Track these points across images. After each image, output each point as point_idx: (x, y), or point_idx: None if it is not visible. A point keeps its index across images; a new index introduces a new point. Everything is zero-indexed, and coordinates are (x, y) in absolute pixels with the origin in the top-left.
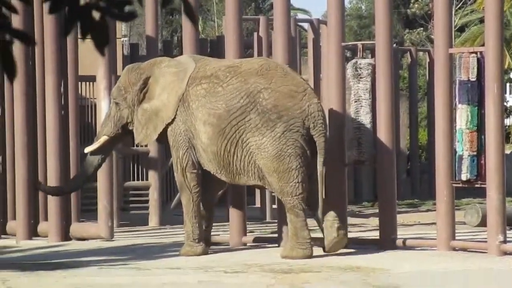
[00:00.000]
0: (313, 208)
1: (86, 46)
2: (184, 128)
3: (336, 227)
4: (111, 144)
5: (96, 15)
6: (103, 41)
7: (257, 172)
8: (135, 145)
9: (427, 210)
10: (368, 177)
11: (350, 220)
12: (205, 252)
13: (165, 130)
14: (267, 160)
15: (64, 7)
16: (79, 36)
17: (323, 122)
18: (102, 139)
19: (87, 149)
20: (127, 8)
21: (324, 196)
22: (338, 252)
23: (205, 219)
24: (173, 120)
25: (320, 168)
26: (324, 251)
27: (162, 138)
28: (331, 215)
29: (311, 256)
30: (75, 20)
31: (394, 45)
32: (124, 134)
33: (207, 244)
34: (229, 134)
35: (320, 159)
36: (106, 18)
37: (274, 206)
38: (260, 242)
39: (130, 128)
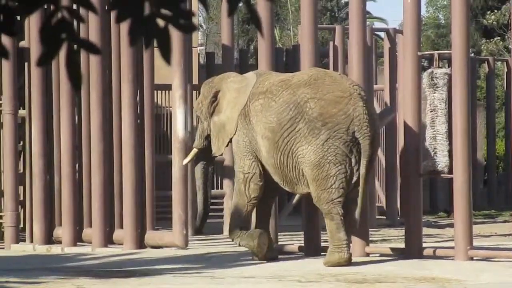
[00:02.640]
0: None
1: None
2: (248, 140)
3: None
4: (204, 154)
5: (160, 23)
6: (168, 49)
7: (306, 181)
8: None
9: (504, 221)
10: (444, 187)
11: (426, 230)
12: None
13: (230, 142)
14: (309, 168)
15: (130, 16)
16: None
17: (368, 124)
18: (192, 152)
19: (184, 162)
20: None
21: (362, 200)
22: (414, 262)
23: (263, 228)
24: (235, 132)
25: (363, 170)
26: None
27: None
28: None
29: (348, 260)
30: (141, 29)
31: (471, 54)
32: (210, 146)
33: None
34: (281, 146)
35: (363, 161)
36: (169, 27)
37: None
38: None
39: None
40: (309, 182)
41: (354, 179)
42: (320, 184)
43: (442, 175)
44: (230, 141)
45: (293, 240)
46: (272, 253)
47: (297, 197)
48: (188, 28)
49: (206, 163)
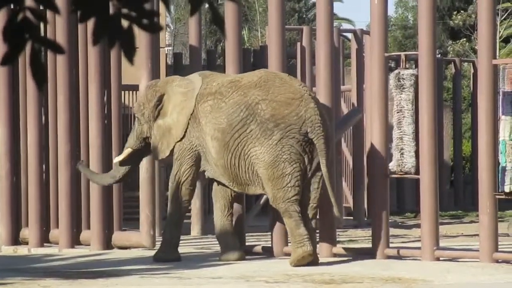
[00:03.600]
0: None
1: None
2: (197, 143)
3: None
4: (137, 156)
5: (124, 24)
6: (131, 49)
7: (260, 181)
8: None
9: (471, 222)
10: (411, 188)
11: (393, 231)
12: (178, 259)
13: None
14: (264, 168)
15: (93, 16)
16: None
17: (320, 125)
18: (126, 151)
19: (116, 159)
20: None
21: (335, 197)
22: (381, 263)
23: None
24: (182, 138)
25: (324, 169)
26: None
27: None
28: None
29: (311, 253)
30: (105, 28)
31: (438, 55)
32: (146, 147)
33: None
34: (232, 147)
35: (322, 161)
36: (133, 27)
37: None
38: None
39: (150, 142)
40: (264, 183)
41: (308, 177)
42: (275, 184)
43: (409, 175)
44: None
45: (261, 241)
46: (239, 254)
47: (264, 197)
48: (153, 28)
49: (129, 168)
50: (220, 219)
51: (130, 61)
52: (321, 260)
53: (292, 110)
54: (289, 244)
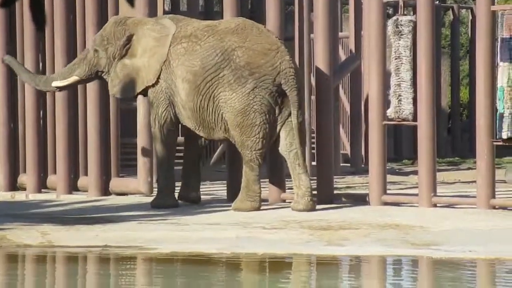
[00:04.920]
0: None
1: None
2: (166, 85)
3: (307, 199)
4: (76, 84)
5: None
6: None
7: (223, 126)
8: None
9: (468, 168)
10: (408, 135)
11: (390, 178)
12: (175, 204)
13: (144, 90)
14: (232, 114)
15: None
16: None
17: (294, 77)
18: (72, 79)
19: (56, 83)
20: None
21: (301, 149)
22: (378, 209)
23: (191, 175)
24: (155, 83)
25: (295, 120)
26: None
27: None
28: (305, 185)
29: (259, 209)
30: None
31: (436, 2)
32: (93, 79)
33: (194, 198)
34: (203, 90)
35: (294, 112)
36: None
37: (314, 163)
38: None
39: (104, 77)
40: (231, 128)
41: (277, 130)
42: (244, 131)
43: (407, 122)
44: (143, 90)
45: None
46: (196, 198)
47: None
48: None
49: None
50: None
51: (131, 3)
52: (318, 206)
53: (267, 61)
54: (287, 191)
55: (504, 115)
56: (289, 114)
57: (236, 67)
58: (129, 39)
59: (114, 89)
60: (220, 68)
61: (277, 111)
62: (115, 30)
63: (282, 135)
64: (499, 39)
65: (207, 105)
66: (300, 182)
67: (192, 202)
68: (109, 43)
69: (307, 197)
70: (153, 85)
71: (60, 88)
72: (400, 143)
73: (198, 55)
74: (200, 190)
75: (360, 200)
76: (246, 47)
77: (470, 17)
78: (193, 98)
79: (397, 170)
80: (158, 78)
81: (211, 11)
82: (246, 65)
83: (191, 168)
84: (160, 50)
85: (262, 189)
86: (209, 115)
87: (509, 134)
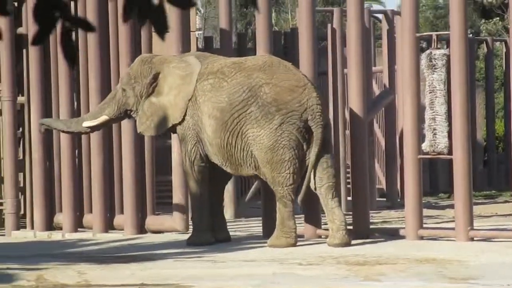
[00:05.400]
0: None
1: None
2: (192, 122)
3: (342, 233)
4: (107, 124)
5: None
6: (163, 26)
7: (253, 162)
8: None
9: (505, 202)
10: (444, 168)
11: (427, 212)
12: (210, 241)
13: (172, 128)
14: (262, 151)
15: None
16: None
17: (321, 114)
18: (102, 118)
19: (86, 124)
20: None
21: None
22: (414, 244)
23: (216, 210)
24: (182, 120)
25: (313, 158)
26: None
27: (166, 134)
28: (339, 219)
29: (295, 245)
30: (135, 5)
31: (470, 35)
32: (122, 118)
33: (223, 234)
34: (231, 127)
35: (314, 149)
36: (164, 3)
37: (349, 198)
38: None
39: (133, 116)
40: (261, 165)
41: (305, 166)
42: (274, 168)
43: (442, 156)
44: (172, 127)
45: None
46: (225, 235)
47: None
48: (184, 3)
49: (90, 131)
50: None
51: (162, 37)
52: (354, 241)
53: (294, 97)
54: (323, 226)
55: None
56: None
57: (263, 104)
58: (156, 78)
59: (142, 127)
60: (247, 105)
61: (305, 147)
62: (141, 69)
63: (319, 168)
64: None
65: (235, 142)
66: (334, 217)
67: (223, 241)
68: (136, 82)
69: (341, 231)
70: (180, 122)
71: (91, 129)
72: (436, 177)
73: (225, 91)
74: (233, 227)
75: (395, 234)
76: (273, 83)
77: (504, 50)
78: (220, 134)
79: (433, 204)
80: (185, 115)
81: (244, 48)
82: (273, 101)
83: (217, 209)
84: (186, 88)
85: (298, 225)
86: (237, 151)
87: None
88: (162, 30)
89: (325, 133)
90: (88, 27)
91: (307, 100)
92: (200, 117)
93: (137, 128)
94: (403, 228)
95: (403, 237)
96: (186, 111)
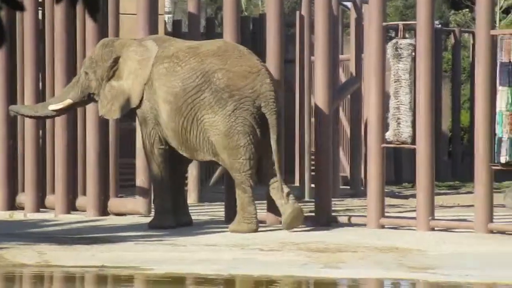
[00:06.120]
0: (264, 184)
1: (128, 21)
2: (150, 105)
3: (291, 203)
4: (72, 108)
5: None
6: (95, 7)
7: (211, 148)
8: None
9: (468, 192)
10: (408, 158)
11: (390, 200)
12: (173, 226)
13: (132, 111)
14: (218, 137)
15: None
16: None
17: (274, 100)
18: (67, 102)
19: (52, 107)
20: None
21: (280, 173)
22: (375, 231)
23: (177, 193)
24: (139, 104)
25: (274, 145)
26: (283, 227)
27: (129, 117)
28: (285, 192)
29: (256, 230)
30: None
31: (439, 26)
32: (87, 102)
33: (185, 218)
34: (185, 112)
35: (273, 136)
36: None
37: (313, 185)
38: None
39: (96, 99)
40: (219, 151)
41: (260, 151)
42: (231, 154)
43: (405, 145)
44: (131, 110)
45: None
46: (187, 218)
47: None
48: None
49: (56, 115)
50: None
51: (93, 19)
52: (316, 228)
53: (247, 83)
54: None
55: (503, 139)
56: (269, 138)
57: (216, 89)
58: (116, 61)
59: (103, 110)
60: (201, 90)
61: (259, 133)
62: (102, 52)
63: (263, 162)
64: (498, 64)
65: (191, 127)
66: (287, 201)
67: (184, 225)
68: (98, 65)
69: (295, 204)
70: (139, 106)
71: (57, 112)
72: (400, 166)
73: (179, 76)
74: (196, 211)
75: (356, 222)
76: (226, 69)
77: (472, 41)
78: (174, 119)
79: (396, 193)
80: (142, 99)
81: (212, 33)
82: (226, 88)
83: (178, 192)
84: (142, 72)
85: (260, 211)
86: (193, 136)
87: (507, 159)
88: (93, 11)
89: (279, 120)
90: (17, 7)
91: (260, 87)
92: (156, 101)
93: (99, 111)
94: (365, 216)
95: (364, 225)
96: (143, 95)
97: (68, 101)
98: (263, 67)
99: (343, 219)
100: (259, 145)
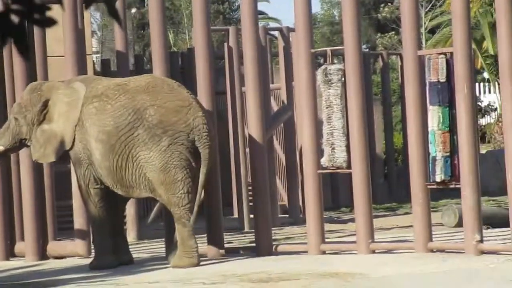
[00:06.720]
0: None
1: (56, 63)
2: (82, 146)
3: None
4: (4, 154)
5: (15, 19)
6: (24, 46)
7: (148, 185)
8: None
9: (405, 213)
10: (345, 182)
11: (329, 226)
12: (114, 265)
13: (66, 153)
14: (155, 173)
15: None
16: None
17: (207, 134)
18: None
19: None
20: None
21: (198, 207)
22: (316, 258)
23: (116, 232)
24: (72, 145)
25: (202, 178)
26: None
27: (64, 159)
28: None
29: (198, 265)
30: None
31: (366, 49)
32: (19, 147)
33: (125, 257)
34: (119, 150)
35: (203, 169)
36: (25, 23)
37: (252, 216)
38: (239, 252)
39: (28, 144)
40: (156, 186)
41: (196, 185)
42: (168, 189)
43: (341, 170)
44: (65, 153)
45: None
46: (128, 257)
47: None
48: (44, 22)
49: None
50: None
51: (24, 57)
52: (258, 258)
53: (180, 118)
54: (226, 245)
55: (437, 158)
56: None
57: (149, 126)
58: (45, 105)
59: (36, 154)
60: (134, 128)
61: (194, 165)
62: (31, 97)
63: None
64: (427, 83)
65: (126, 165)
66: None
67: (125, 263)
68: (27, 110)
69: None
70: (71, 148)
71: None
72: (337, 191)
73: (110, 114)
74: (136, 249)
75: (297, 250)
76: (157, 105)
77: (400, 63)
78: (108, 157)
79: (335, 219)
80: (74, 140)
81: (142, 70)
82: (159, 123)
83: (117, 231)
84: (72, 114)
85: (200, 244)
86: (128, 174)
87: (442, 177)
88: (23, 50)
89: (212, 154)
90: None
91: (192, 120)
92: (88, 141)
93: (32, 155)
94: (305, 243)
95: (305, 252)
96: (74, 136)
97: (0, 148)
98: (194, 100)
99: (284, 247)
100: (196, 179)
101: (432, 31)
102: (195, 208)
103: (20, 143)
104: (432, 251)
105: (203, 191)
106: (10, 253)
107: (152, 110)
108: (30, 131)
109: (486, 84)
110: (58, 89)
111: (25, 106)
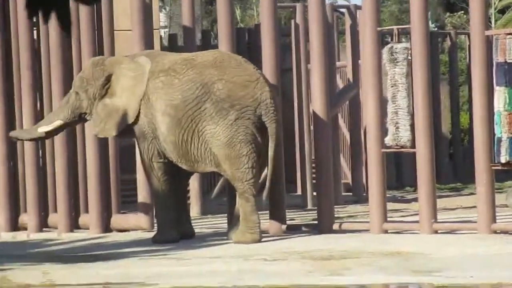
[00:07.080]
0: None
1: (123, 37)
2: (147, 120)
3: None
4: (63, 128)
5: None
6: (67, 21)
7: (213, 160)
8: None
9: (470, 194)
10: (409, 162)
11: (392, 205)
12: (176, 240)
13: (129, 127)
14: (220, 148)
15: None
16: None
17: (274, 109)
18: (57, 123)
19: (41, 129)
20: None
21: (270, 182)
22: (378, 237)
23: (179, 206)
24: (136, 119)
25: (271, 153)
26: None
27: (125, 134)
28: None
29: (259, 241)
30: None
31: (434, 29)
32: (77, 122)
33: (186, 230)
34: (185, 124)
35: (271, 144)
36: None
37: (315, 194)
38: (301, 229)
39: (87, 118)
40: (221, 161)
41: (261, 159)
42: (233, 163)
43: (405, 149)
44: (127, 127)
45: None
46: (190, 231)
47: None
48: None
49: (45, 137)
50: None
51: (67, 33)
52: (319, 236)
53: (247, 92)
54: (288, 222)
55: (502, 139)
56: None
57: (217, 100)
58: (108, 79)
59: (96, 129)
60: (201, 102)
61: (260, 141)
62: (93, 71)
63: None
64: (494, 64)
65: (191, 139)
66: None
67: (187, 237)
68: (89, 84)
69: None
70: (135, 122)
71: (47, 134)
72: (401, 171)
73: (177, 88)
74: (199, 224)
75: (359, 228)
76: (225, 79)
77: (468, 43)
78: (174, 131)
79: (399, 198)
80: (139, 114)
81: (208, 45)
82: (227, 98)
83: (180, 205)
84: (137, 88)
85: (262, 221)
86: (194, 148)
87: (507, 158)
88: (66, 25)
89: (279, 129)
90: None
91: (260, 95)
92: (153, 115)
93: (93, 130)
94: (368, 222)
95: (367, 231)
96: (139, 110)
97: (59, 122)
98: (261, 75)
99: (346, 225)
100: (261, 154)
101: (502, 11)
102: (267, 183)
103: (79, 118)
104: (495, 232)
105: (272, 165)
106: (74, 225)
107: (220, 85)
108: (91, 105)
109: None
110: (121, 64)
111: (87, 80)
